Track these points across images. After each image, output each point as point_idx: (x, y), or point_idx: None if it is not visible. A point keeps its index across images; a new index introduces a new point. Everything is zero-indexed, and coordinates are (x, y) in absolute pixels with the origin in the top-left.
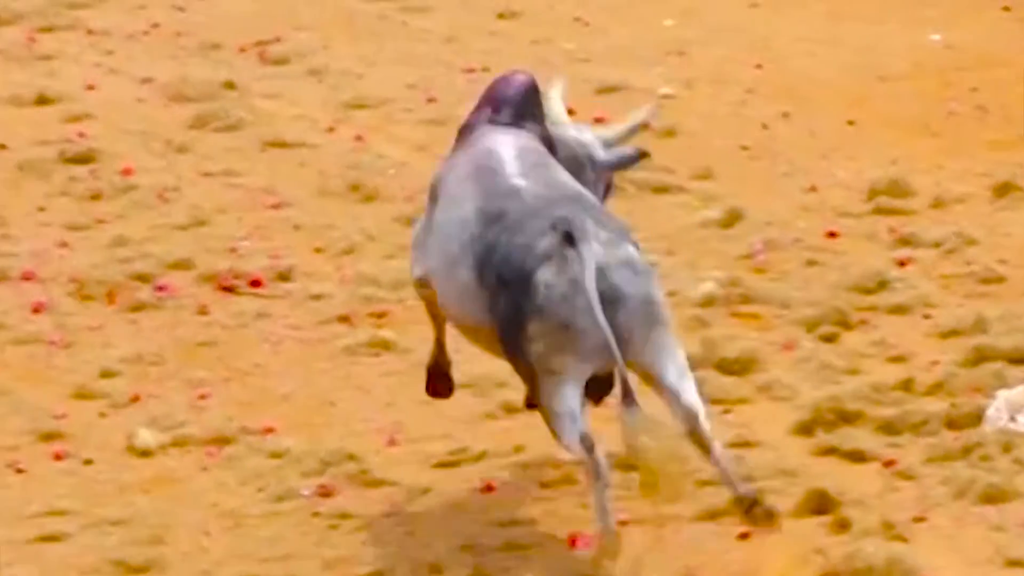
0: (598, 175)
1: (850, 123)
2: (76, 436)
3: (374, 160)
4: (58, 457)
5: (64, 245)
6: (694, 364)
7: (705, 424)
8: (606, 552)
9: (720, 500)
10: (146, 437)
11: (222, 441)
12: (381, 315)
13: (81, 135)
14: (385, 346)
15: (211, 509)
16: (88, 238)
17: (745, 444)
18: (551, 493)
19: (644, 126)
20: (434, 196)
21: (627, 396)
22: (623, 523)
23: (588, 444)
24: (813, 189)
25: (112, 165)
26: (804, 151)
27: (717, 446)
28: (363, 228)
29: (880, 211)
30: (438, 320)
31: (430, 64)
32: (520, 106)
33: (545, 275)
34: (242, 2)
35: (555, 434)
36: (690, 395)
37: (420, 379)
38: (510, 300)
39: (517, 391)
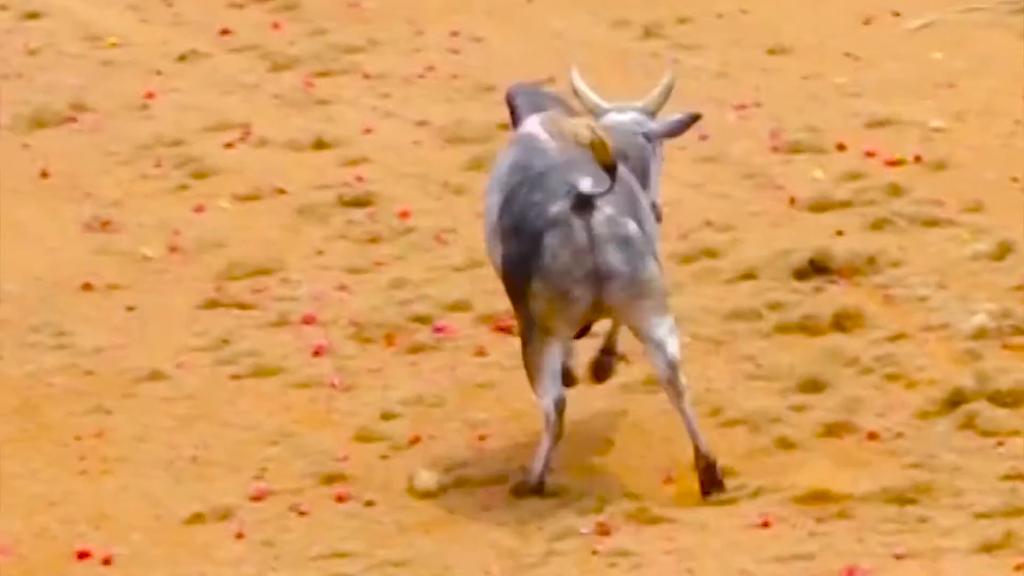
0: (654, 146)
1: None
2: (358, 478)
3: None
4: (340, 499)
5: (343, 288)
6: (967, 396)
7: (682, 377)
8: (523, 487)
9: (996, 532)
10: (427, 478)
11: (502, 481)
12: None
13: (359, 179)
14: None
15: (491, 549)
16: (367, 281)
17: (1019, 476)
18: (826, 528)
19: (672, 85)
20: None
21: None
22: (900, 557)
23: (560, 407)
24: None
25: (390, 208)
26: None
27: (688, 398)
28: None
29: None
30: None
31: (702, 101)
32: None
33: (552, 241)
34: (516, 44)
35: (534, 386)
36: (673, 349)
37: (698, 416)
38: (519, 252)
39: (792, 427)
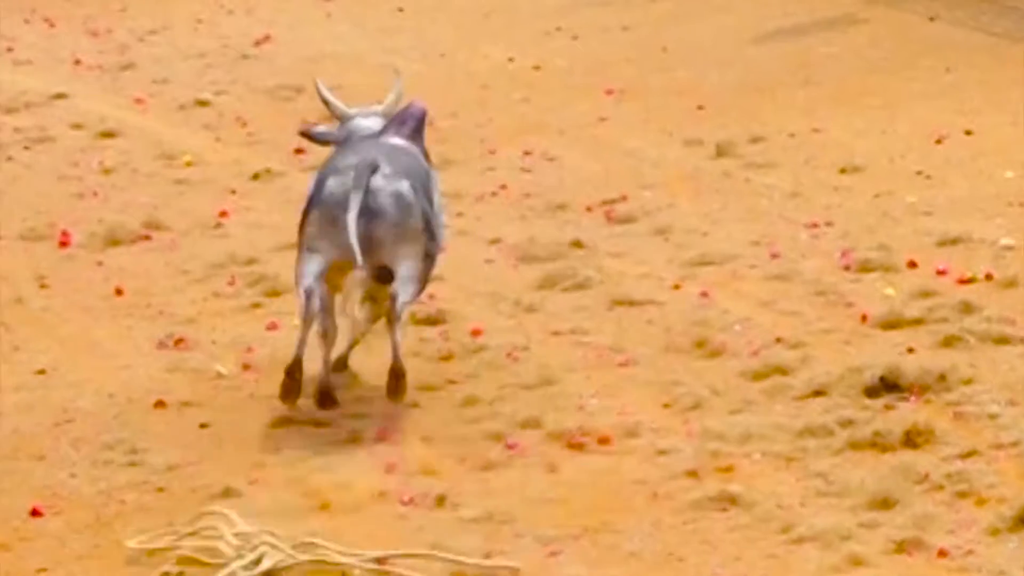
0: None
1: None
2: None
3: (719, 316)
4: None
5: (415, 406)
6: None
7: (399, 308)
8: (288, 374)
9: None
10: None
11: None
12: (727, 469)
13: (431, 297)
14: (732, 500)
15: None
16: (439, 398)
17: None
18: None
19: (401, 91)
20: None
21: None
22: None
23: (309, 293)
24: None
25: (462, 326)
26: None
27: (399, 326)
28: (709, 383)
29: None
30: None
31: (773, 220)
32: (415, 127)
33: (331, 182)
34: (588, 163)
35: (296, 284)
36: (405, 293)
37: (768, 533)
38: (310, 194)
39: (862, 544)
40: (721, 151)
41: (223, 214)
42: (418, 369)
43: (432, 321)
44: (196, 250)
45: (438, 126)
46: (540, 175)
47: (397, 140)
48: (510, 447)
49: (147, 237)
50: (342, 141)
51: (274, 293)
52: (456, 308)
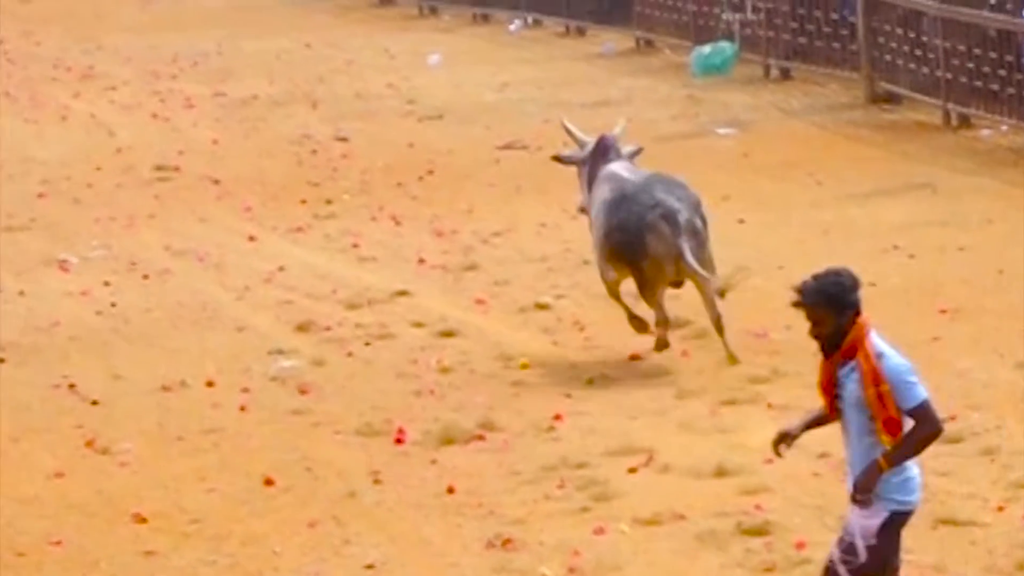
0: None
1: None
2: None
3: None
4: None
5: None
6: None
7: (711, 292)
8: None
9: None
10: None
11: None
12: None
13: (758, 507)
14: None
15: None
16: None
17: None
18: None
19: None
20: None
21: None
22: None
23: (664, 319)
24: None
25: (787, 538)
26: None
27: (716, 306)
28: None
29: None
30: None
31: None
32: (613, 151)
33: (651, 240)
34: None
35: (655, 311)
36: (713, 286)
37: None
38: (628, 246)
39: None
40: None
41: (557, 417)
42: None
43: (757, 532)
44: (528, 452)
45: (772, 338)
46: None
47: (612, 166)
48: None
49: (481, 437)
50: (582, 161)
51: (603, 498)
52: (782, 520)
